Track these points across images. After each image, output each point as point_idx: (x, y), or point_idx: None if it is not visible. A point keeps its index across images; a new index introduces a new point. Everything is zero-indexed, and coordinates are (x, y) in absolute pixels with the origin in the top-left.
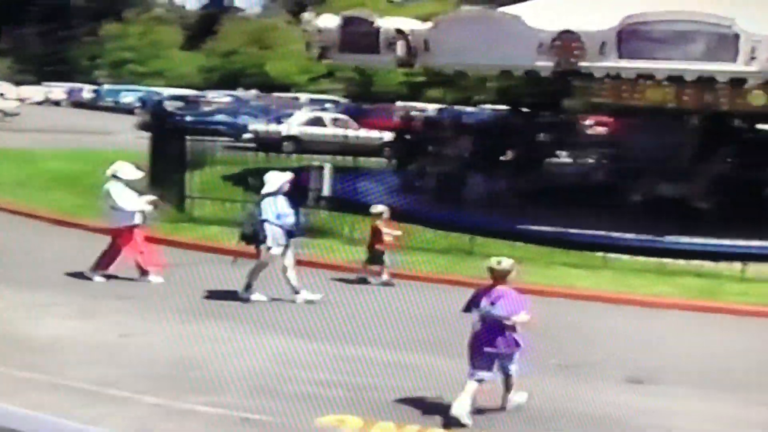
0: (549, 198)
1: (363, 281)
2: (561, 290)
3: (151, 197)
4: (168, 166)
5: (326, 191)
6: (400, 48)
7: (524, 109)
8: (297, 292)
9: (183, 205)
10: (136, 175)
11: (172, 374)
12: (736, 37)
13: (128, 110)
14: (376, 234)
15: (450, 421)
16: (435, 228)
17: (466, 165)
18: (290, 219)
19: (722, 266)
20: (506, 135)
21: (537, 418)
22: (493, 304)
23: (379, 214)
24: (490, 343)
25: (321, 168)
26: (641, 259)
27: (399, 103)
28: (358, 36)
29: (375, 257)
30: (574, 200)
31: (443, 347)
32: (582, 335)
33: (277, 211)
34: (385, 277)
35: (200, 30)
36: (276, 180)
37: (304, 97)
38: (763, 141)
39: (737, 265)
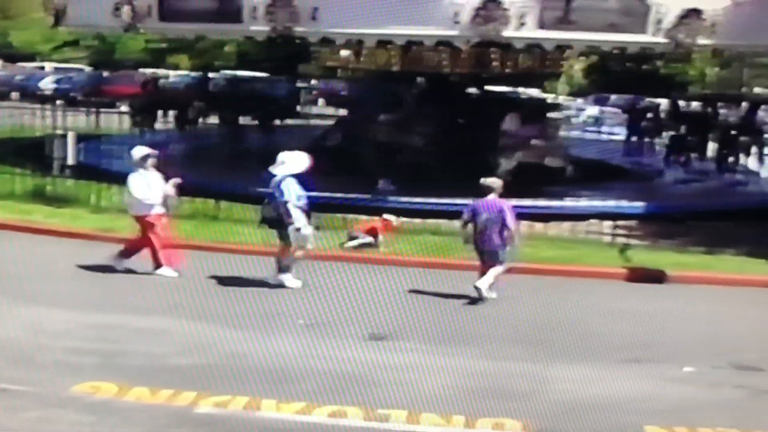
0: None
1: None
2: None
3: (173, 182)
4: None
5: (71, 159)
6: (126, 13)
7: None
8: (284, 272)
9: None
10: (142, 152)
11: None
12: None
13: None
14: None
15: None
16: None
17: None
18: (304, 200)
19: (457, 224)
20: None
21: (284, 378)
22: (499, 212)
23: None
24: (495, 240)
25: (64, 136)
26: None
27: (142, 70)
28: (86, 1)
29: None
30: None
31: (195, 311)
32: (325, 294)
33: (297, 192)
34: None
35: None
36: (296, 160)
37: (49, 66)
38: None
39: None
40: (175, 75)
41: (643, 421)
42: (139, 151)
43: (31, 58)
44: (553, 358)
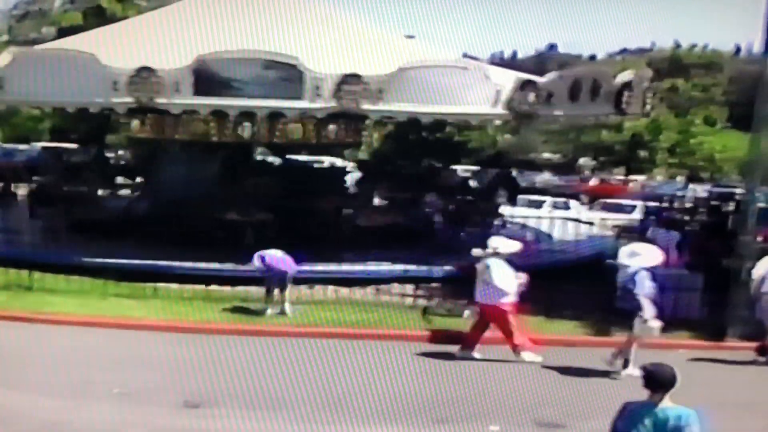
0: (99, 230)
1: None
2: (114, 321)
3: (522, 276)
4: None
5: None
6: None
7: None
8: (626, 366)
9: None
10: (515, 247)
11: None
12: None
13: None
14: None
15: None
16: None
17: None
18: (654, 293)
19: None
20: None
21: None
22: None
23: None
24: None
25: None
26: (189, 287)
27: None
28: None
29: None
30: (122, 231)
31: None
32: (139, 363)
33: (649, 284)
34: None
35: None
36: (650, 254)
37: None
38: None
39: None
40: None
41: None
42: (503, 242)
43: None
44: (362, 421)
